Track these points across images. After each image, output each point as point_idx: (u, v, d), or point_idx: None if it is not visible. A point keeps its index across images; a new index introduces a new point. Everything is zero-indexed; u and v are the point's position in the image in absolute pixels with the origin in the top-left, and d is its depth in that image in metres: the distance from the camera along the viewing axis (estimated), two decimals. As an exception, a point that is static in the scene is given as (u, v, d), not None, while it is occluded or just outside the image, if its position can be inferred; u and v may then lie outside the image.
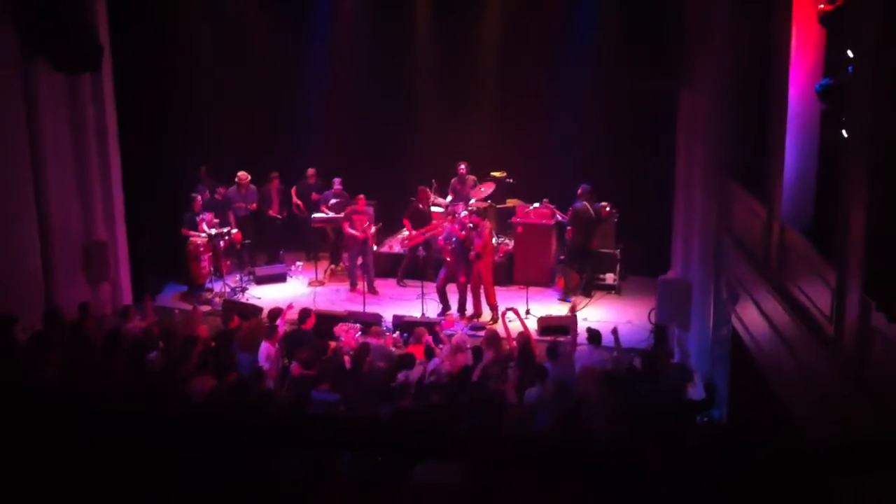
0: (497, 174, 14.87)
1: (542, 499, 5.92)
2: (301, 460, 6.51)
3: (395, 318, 12.07)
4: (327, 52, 15.79)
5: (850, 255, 5.70)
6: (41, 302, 11.06)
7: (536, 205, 13.94)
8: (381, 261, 14.37)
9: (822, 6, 7.04)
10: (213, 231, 13.49)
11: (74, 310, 10.63)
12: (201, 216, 13.49)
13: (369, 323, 11.36)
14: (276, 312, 10.59)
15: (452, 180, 14.87)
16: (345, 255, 14.46)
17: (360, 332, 11.02)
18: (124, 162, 12.53)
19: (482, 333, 10.72)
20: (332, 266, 14.84)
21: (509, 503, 6.12)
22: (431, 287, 12.97)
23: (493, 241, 13.48)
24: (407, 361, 9.40)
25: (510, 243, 14.45)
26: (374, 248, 13.92)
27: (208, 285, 13.67)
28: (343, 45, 15.78)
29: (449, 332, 11.40)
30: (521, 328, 10.53)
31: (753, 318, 8.17)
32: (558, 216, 13.72)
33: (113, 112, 12.27)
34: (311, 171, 15.04)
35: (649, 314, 12.01)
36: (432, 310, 12.73)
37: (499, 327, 11.22)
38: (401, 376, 9.08)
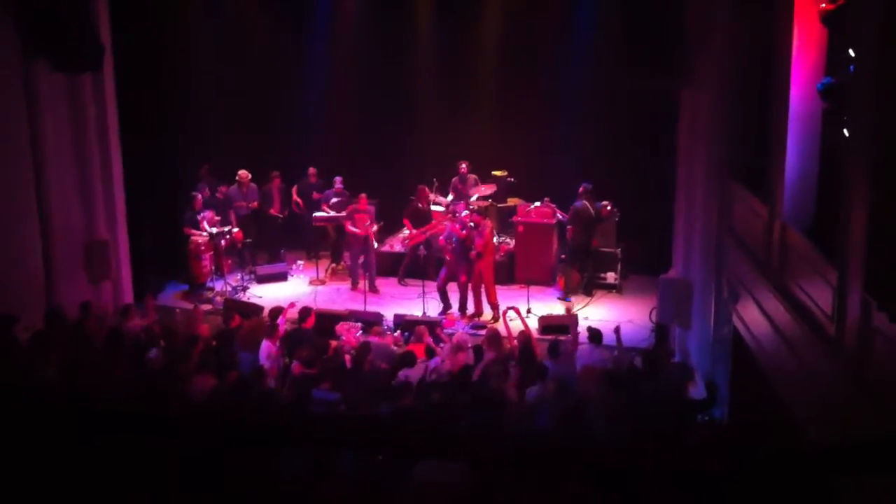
0: (498, 173, 14.87)
1: (542, 498, 5.92)
2: (302, 459, 6.51)
3: (396, 317, 12.07)
4: (327, 52, 15.79)
5: (851, 255, 5.70)
6: (42, 301, 11.07)
7: (537, 204, 13.94)
8: (382, 260, 14.37)
9: (823, 5, 7.03)
10: (215, 230, 13.50)
11: (76, 309, 10.65)
12: (202, 214, 13.50)
13: (370, 322, 11.37)
14: (277, 311, 10.60)
15: (453, 179, 14.87)
16: (346, 255, 14.47)
17: (361, 331, 11.02)
18: (125, 161, 12.53)
19: (483, 332, 10.72)
20: (333, 265, 14.84)
21: (509, 503, 6.12)
22: (432, 286, 12.97)
23: (494, 240, 13.48)
24: (408, 360, 9.40)
25: (511, 242, 14.45)
26: (375, 245, 13.92)
27: (209, 284, 13.68)
28: (343, 45, 15.77)
29: (450, 331, 11.41)
30: (521, 327, 10.53)
31: (754, 317, 8.17)
32: (559, 215, 13.72)
33: (114, 111, 12.27)
34: (311, 170, 15.05)
35: (650, 313, 12.01)
36: (433, 309, 12.72)
37: (500, 326, 11.22)
38: (401, 375, 9.08)
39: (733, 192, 9.56)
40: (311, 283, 14.25)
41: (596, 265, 13.69)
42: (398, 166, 15.55)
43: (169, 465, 4.76)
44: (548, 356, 9.27)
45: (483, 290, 12.61)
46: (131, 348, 9.53)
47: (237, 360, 9.30)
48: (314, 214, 14.37)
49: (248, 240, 14.49)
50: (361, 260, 13.76)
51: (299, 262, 15.08)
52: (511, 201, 14.85)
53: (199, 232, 13.42)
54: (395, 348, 10.41)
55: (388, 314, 12.25)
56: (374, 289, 13.67)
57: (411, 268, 14.03)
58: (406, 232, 14.48)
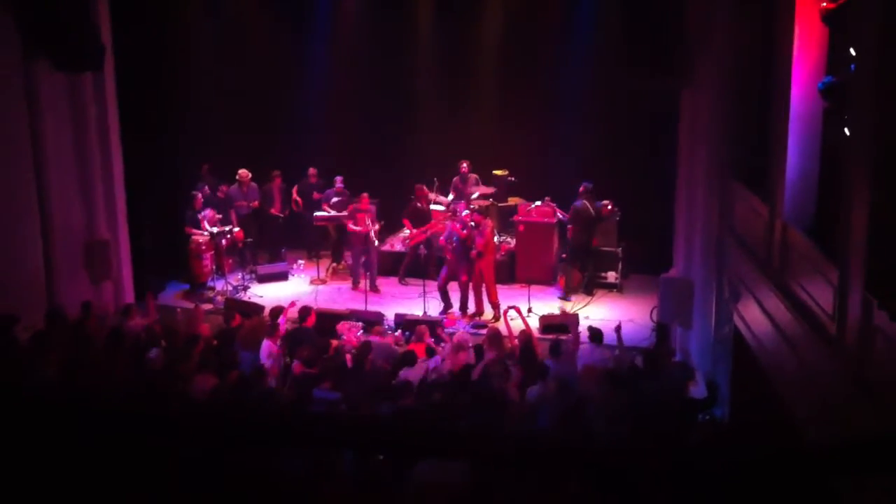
0: (499, 172, 14.88)
1: (542, 498, 5.91)
2: (302, 459, 6.50)
3: (397, 316, 12.07)
4: (327, 52, 15.79)
5: (852, 254, 5.70)
6: (43, 301, 11.07)
7: (538, 203, 13.94)
8: (383, 259, 14.37)
9: (824, 4, 7.03)
10: (216, 229, 13.51)
11: (76, 309, 10.65)
12: (203, 213, 13.51)
13: (371, 321, 11.37)
14: (277, 311, 10.60)
15: (454, 179, 14.88)
16: (347, 254, 14.48)
17: (361, 331, 11.02)
18: (126, 161, 12.53)
19: (484, 332, 10.72)
20: (334, 264, 14.85)
21: (510, 503, 6.11)
22: (433, 285, 12.97)
23: (495, 239, 13.48)
24: (408, 359, 9.40)
25: (512, 241, 14.45)
26: (376, 242, 13.93)
27: (210, 284, 13.68)
28: (343, 45, 15.77)
29: (450, 330, 11.40)
30: (522, 326, 10.52)
31: (755, 316, 8.17)
32: (559, 214, 13.72)
33: (115, 111, 12.27)
34: (312, 170, 15.05)
35: (651, 312, 12.00)
36: (434, 308, 12.72)
37: (500, 325, 11.22)
38: (402, 374, 9.08)
39: (734, 191, 9.55)
40: (311, 282, 14.26)
41: (597, 264, 13.69)
42: (398, 166, 15.55)
43: (169, 466, 4.75)
44: (549, 355, 9.27)
45: (484, 289, 12.61)
46: (132, 348, 9.53)
47: (238, 359, 9.30)
48: (315, 214, 14.37)
49: (249, 239, 14.50)
50: (363, 259, 13.76)
51: (300, 261, 15.08)
52: (512, 200, 14.86)
53: (200, 231, 13.43)
54: (397, 348, 10.41)
55: (389, 314, 12.25)
56: (374, 288, 13.67)
57: (412, 267, 14.04)
58: (406, 232, 14.48)
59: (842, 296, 5.86)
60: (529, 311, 12.30)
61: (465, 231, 12.41)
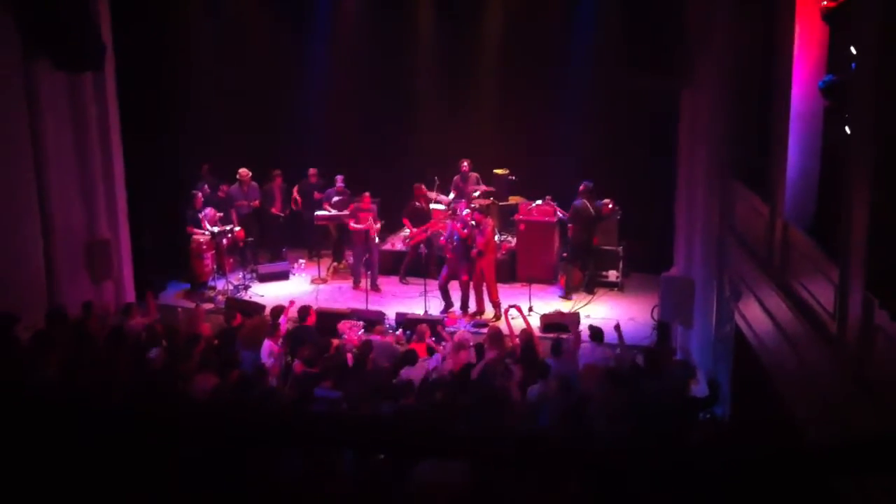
0: (499, 171, 14.89)
1: (543, 498, 5.91)
2: (303, 458, 6.50)
3: (398, 315, 12.08)
4: (327, 52, 15.80)
5: (852, 253, 5.69)
6: (44, 301, 11.06)
7: (539, 202, 13.94)
8: (384, 258, 14.38)
9: (824, 2, 7.03)
10: (216, 229, 13.52)
11: (77, 308, 10.65)
12: (203, 212, 13.52)
13: (372, 320, 11.38)
14: (278, 310, 10.60)
15: (455, 178, 14.88)
16: (348, 253, 14.49)
17: (363, 330, 11.02)
18: (126, 160, 12.53)
19: (485, 331, 10.72)
20: (335, 264, 14.85)
21: (511, 502, 6.11)
22: (434, 284, 12.97)
23: (496, 238, 13.48)
24: (409, 358, 9.40)
25: (512, 240, 14.45)
26: (377, 239, 13.94)
27: (211, 283, 13.69)
28: (343, 45, 15.79)
29: (451, 329, 11.40)
30: (523, 325, 10.53)
31: (756, 315, 8.17)
32: (559, 213, 13.73)
33: (115, 111, 12.27)
34: (312, 170, 15.07)
35: (652, 311, 12.01)
36: (435, 307, 12.73)
37: (501, 324, 11.22)
38: (403, 373, 9.08)
39: (734, 190, 9.55)
40: (312, 281, 14.27)
41: (597, 263, 13.69)
42: (398, 166, 15.55)
43: (169, 466, 4.75)
44: (550, 354, 9.27)
45: (485, 288, 12.61)
46: (133, 348, 9.53)
47: (239, 358, 9.29)
48: (316, 213, 14.37)
49: (250, 238, 14.51)
50: (364, 258, 13.77)
51: (301, 260, 15.09)
52: (512, 199, 14.87)
53: (200, 231, 13.44)
54: (398, 347, 10.41)
55: (390, 313, 12.26)
56: (375, 287, 13.68)
57: (412, 266, 14.04)
58: (406, 231, 14.49)
59: (842, 295, 5.85)
60: (530, 309, 12.30)
61: (465, 230, 12.41)
